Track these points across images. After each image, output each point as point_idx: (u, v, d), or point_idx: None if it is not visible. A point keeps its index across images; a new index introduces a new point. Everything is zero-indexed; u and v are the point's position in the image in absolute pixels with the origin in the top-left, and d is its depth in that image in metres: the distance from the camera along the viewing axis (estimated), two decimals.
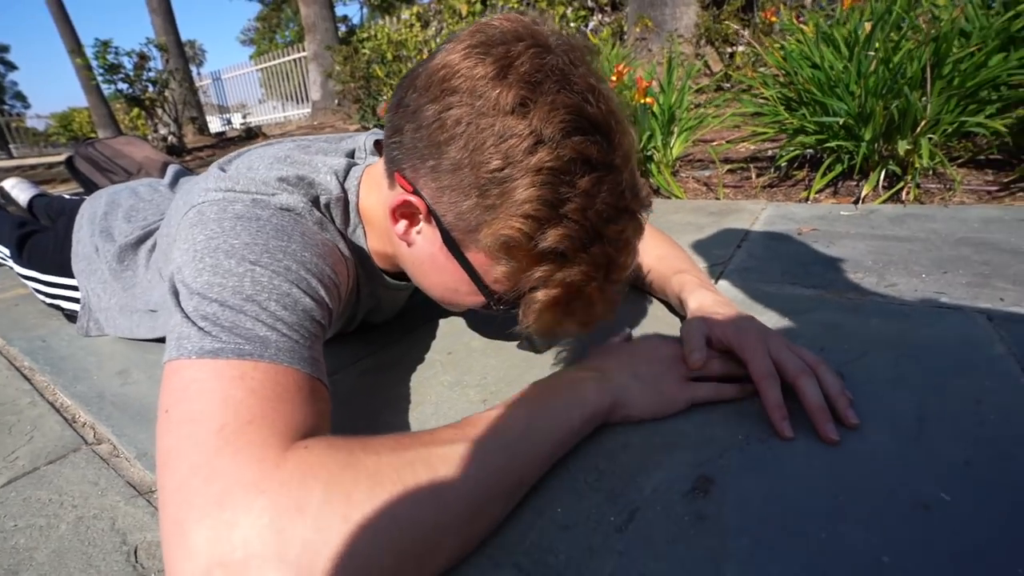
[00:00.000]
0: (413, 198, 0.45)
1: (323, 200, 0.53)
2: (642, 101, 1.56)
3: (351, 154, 0.60)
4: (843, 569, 0.33)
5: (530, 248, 0.41)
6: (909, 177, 1.31)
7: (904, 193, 1.30)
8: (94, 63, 3.71)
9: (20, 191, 1.58)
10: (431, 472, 0.33)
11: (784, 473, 0.41)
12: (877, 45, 1.41)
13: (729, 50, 3.52)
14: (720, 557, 0.34)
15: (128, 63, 3.75)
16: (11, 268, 1.13)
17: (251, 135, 4.57)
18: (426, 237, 0.47)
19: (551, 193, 0.39)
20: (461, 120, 0.40)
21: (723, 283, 0.83)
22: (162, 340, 0.77)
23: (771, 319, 0.68)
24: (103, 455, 0.54)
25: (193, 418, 0.33)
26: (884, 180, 1.37)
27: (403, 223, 0.48)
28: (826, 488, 0.39)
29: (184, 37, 7.88)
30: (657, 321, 0.71)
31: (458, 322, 0.77)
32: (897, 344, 0.59)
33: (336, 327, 0.67)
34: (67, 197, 1.64)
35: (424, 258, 0.49)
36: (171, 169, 1.06)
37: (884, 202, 1.30)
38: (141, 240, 0.79)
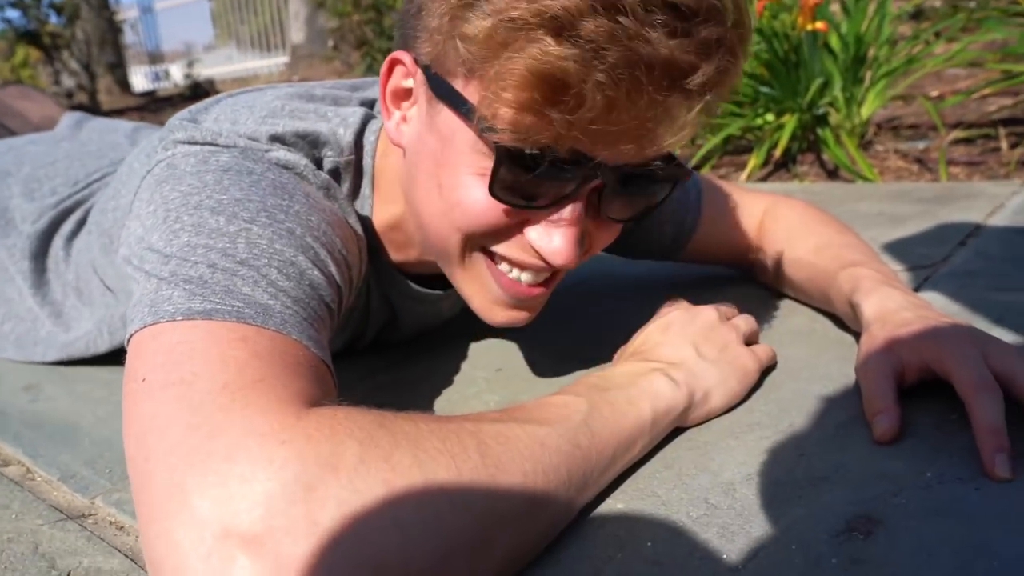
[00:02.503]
0: (402, 55, 0.57)
1: (328, 162, 0.64)
2: (810, 28, 1.65)
3: (370, 104, 0.71)
4: None
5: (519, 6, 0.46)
6: None
7: None
8: None
9: None
10: (483, 449, 0.42)
11: (986, 522, 0.46)
12: None
13: None
14: None
15: None
16: None
17: (199, 93, 4.99)
18: (415, 115, 0.58)
19: None
20: None
21: (929, 293, 0.87)
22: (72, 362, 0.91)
23: (1000, 335, 0.72)
24: (13, 477, 0.66)
25: (183, 379, 0.42)
26: None
27: (395, 115, 0.59)
28: None
29: None
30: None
31: (508, 334, 0.86)
32: None
33: (343, 335, 0.77)
34: None
35: (415, 154, 0.59)
36: (69, 116, 1.21)
37: None
38: (55, 223, 0.92)
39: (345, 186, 0.66)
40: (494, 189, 0.53)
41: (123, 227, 0.60)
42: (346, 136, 0.65)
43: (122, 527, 0.57)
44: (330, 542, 0.34)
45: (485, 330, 0.88)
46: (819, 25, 1.63)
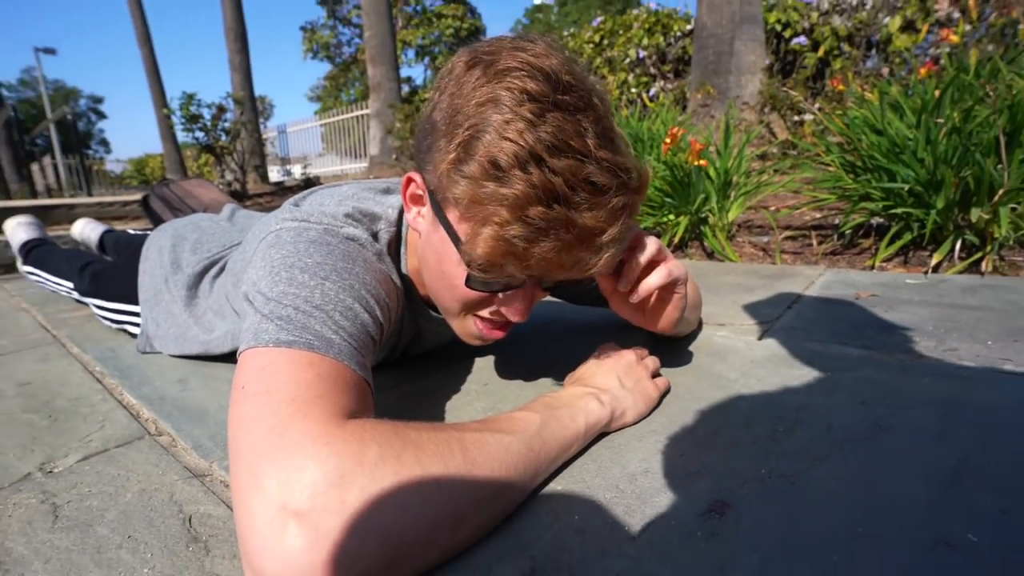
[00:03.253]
0: (415, 176, 0.55)
1: (383, 235, 0.63)
2: (696, 163, 1.66)
3: None
4: None
5: (488, 186, 0.46)
6: (988, 248, 1.31)
7: (983, 264, 1.29)
8: (177, 113, 4.26)
9: (90, 230, 1.83)
10: (464, 451, 0.40)
11: (803, 505, 0.44)
12: (948, 111, 1.47)
13: (796, 118, 3.63)
14: (727, 569, 0.38)
15: (207, 114, 4.29)
16: (76, 300, 1.31)
17: (309, 184, 5.01)
18: (426, 216, 0.56)
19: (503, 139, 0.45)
20: (441, 102, 0.51)
21: (768, 340, 0.86)
22: (211, 358, 0.89)
23: (809, 375, 0.71)
24: (163, 444, 0.63)
25: (268, 391, 0.41)
26: (961, 251, 1.37)
27: (413, 210, 0.58)
28: (846, 520, 0.42)
29: (257, 93, 8.88)
30: (622, 331, 0.76)
31: (495, 359, 0.84)
32: (946, 402, 0.61)
33: (383, 351, 0.76)
34: (131, 232, 1.90)
35: (426, 241, 0.57)
36: (228, 206, 1.23)
37: (959, 272, 1.29)
38: (207, 268, 0.94)
39: (392, 250, 0.64)
40: (472, 287, 0.54)
41: (245, 272, 0.59)
42: (392, 215, 0.64)
43: (227, 485, 0.54)
44: (354, 516, 0.34)
45: (477, 354, 0.87)
46: (702, 162, 1.64)
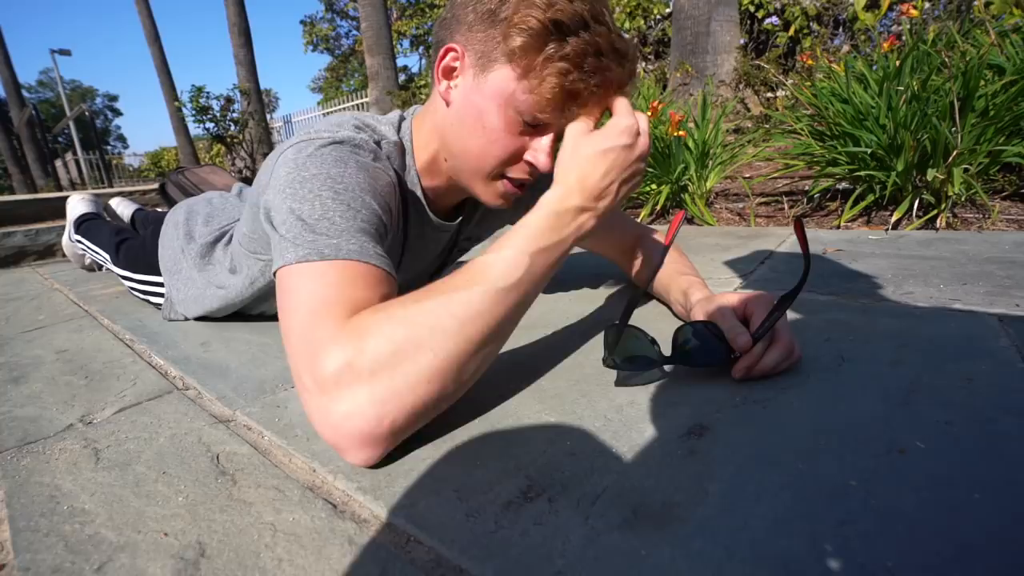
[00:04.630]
0: (455, 45, 0.56)
1: (383, 145, 0.63)
2: (676, 134, 1.64)
3: (400, 116, 0.70)
4: (812, 489, 0.37)
5: (537, 41, 0.51)
6: (943, 206, 1.31)
7: (939, 221, 1.30)
8: (188, 106, 4.16)
9: (124, 208, 1.82)
10: (452, 316, 0.44)
11: (773, 425, 0.45)
12: (908, 80, 1.45)
13: (769, 95, 3.58)
14: (705, 479, 0.39)
15: (216, 106, 4.19)
16: (110, 269, 1.31)
17: None
18: (461, 86, 0.57)
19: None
20: None
21: (744, 291, 0.86)
22: (229, 318, 0.89)
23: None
24: (191, 397, 0.64)
25: (296, 307, 0.47)
26: (918, 209, 1.38)
27: (444, 83, 0.58)
28: (810, 435, 0.43)
29: (262, 86, 8.66)
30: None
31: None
32: (901, 336, 0.62)
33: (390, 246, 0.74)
34: (159, 211, 1.87)
35: (461, 108, 0.57)
36: (237, 185, 1.22)
37: (917, 229, 1.30)
38: (218, 238, 0.93)
39: (396, 162, 0.64)
40: (517, 124, 0.56)
41: (263, 193, 0.59)
42: (389, 130, 0.65)
43: (250, 428, 0.54)
44: (367, 386, 0.42)
45: None
46: (681, 133, 1.62)
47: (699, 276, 0.75)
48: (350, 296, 0.46)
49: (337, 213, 0.50)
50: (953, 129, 1.28)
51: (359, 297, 0.46)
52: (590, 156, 0.52)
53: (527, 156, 0.58)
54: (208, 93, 4.06)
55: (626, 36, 0.56)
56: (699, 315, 0.62)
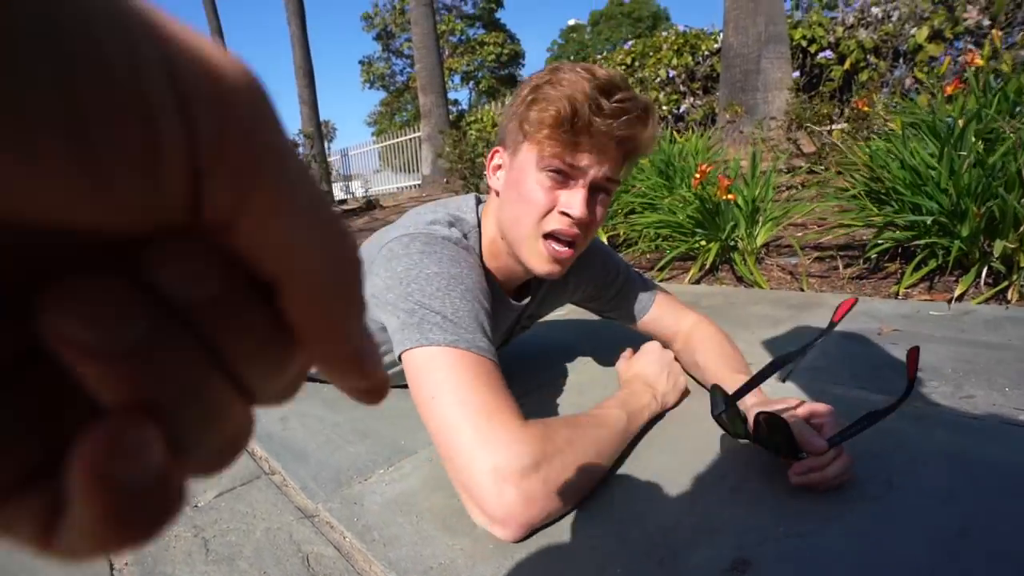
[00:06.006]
0: (499, 148, 0.72)
1: (469, 237, 0.74)
2: (725, 198, 1.66)
3: (477, 199, 0.82)
4: None
5: (547, 123, 0.64)
6: (1015, 276, 1.26)
7: (1009, 293, 1.24)
8: None
9: None
10: (596, 444, 0.60)
11: (816, 565, 0.47)
12: (970, 142, 1.41)
13: (824, 129, 3.50)
14: None
15: None
16: None
17: (370, 206, 5.21)
18: (504, 171, 0.71)
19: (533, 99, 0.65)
20: (509, 107, 0.71)
21: (789, 385, 0.87)
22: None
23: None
24: (277, 484, 0.72)
25: (462, 402, 0.55)
26: (988, 277, 1.32)
27: (493, 177, 0.73)
28: None
29: (321, 118, 9.24)
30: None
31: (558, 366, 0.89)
32: (957, 457, 0.62)
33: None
34: None
35: (505, 191, 0.70)
36: None
37: (985, 302, 1.25)
38: None
39: (473, 241, 0.75)
40: (546, 181, 0.67)
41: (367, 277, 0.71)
42: (470, 213, 0.77)
43: (332, 527, 0.61)
44: (544, 485, 0.53)
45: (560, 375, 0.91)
46: (730, 196, 1.64)
47: (744, 370, 0.78)
48: (507, 396, 0.57)
49: (466, 312, 0.61)
50: (1023, 200, 1.24)
51: (509, 398, 0.57)
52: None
53: (561, 207, 0.67)
54: None
55: (628, 100, 0.64)
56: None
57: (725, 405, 0.63)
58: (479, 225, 0.77)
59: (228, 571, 0.55)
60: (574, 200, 0.66)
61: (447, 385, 0.55)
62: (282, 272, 0.10)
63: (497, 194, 0.73)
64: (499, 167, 0.73)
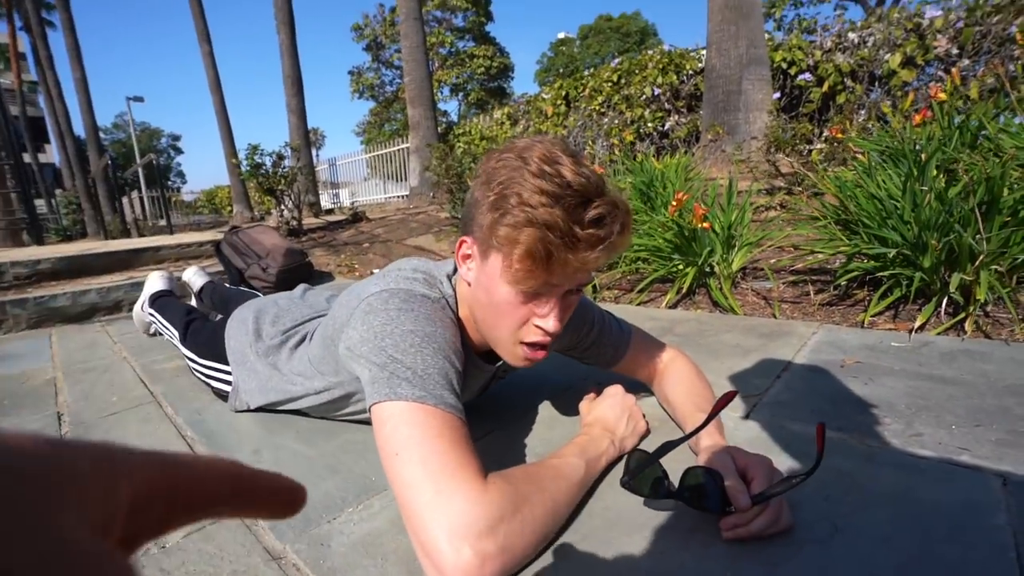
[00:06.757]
0: (466, 238, 0.69)
1: (446, 299, 0.75)
2: (700, 226, 1.70)
3: (453, 268, 0.82)
4: None
5: (513, 228, 0.61)
6: (971, 308, 1.31)
7: (966, 325, 1.30)
8: (244, 162, 4.52)
9: (198, 279, 2.01)
10: (554, 498, 0.61)
11: None
12: (931, 176, 1.47)
13: (804, 148, 3.60)
14: None
15: (268, 162, 4.54)
16: (176, 346, 1.46)
17: (356, 218, 5.21)
18: (474, 269, 0.69)
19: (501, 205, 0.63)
20: (476, 189, 0.67)
21: (751, 422, 0.90)
22: (280, 421, 0.99)
23: (786, 462, 0.76)
24: (246, 522, 0.73)
25: (422, 460, 0.55)
26: (947, 307, 1.38)
27: (464, 266, 0.71)
28: None
29: (310, 125, 9.23)
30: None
31: (531, 411, 0.91)
32: (900, 500, 0.65)
33: None
34: (226, 286, 2.06)
35: (476, 288, 0.69)
36: (300, 286, 1.37)
37: (945, 331, 1.30)
38: (285, 340, 1.05)
39: (450, 307, 0.76)
40: (518, 296, 0.66)
41: (342, 332, 0.73)
42: (446, 282, 0.77)
43: (299, 569, 0.62)
44: (502, 544, 0.53)
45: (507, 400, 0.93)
46: (706, 224, 1.68)
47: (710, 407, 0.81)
48: (470, 454, 0.57)
49: (436, 369, 0.62)
50: (977, 236, 1.30)
51: (472, 455, 0.57)
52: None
53: (535, 321, 0.68)
54: (262, 151, 4.41)
55: (603, 221, 0.62)
56: (703, 460, 0.67)
57: (628, 476, 0.67)
58: (455, 294, 0.77)
59: None
60: (549, 316, 0.66)
61: (411, 441, 0.56)
62: None
63: (468, 284, 0.72)
64: (468, 256, 0.70)
